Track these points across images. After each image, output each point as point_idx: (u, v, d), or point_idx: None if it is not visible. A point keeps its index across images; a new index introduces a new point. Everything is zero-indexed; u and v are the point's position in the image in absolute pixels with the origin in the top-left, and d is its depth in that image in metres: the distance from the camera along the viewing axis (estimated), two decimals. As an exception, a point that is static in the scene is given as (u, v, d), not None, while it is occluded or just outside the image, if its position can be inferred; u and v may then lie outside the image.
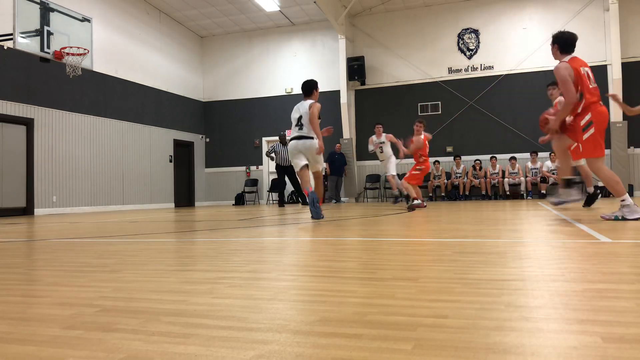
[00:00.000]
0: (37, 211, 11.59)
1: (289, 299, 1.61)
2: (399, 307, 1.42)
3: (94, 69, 11.69)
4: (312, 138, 6.01)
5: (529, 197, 13.58)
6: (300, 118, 6.09)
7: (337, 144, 15.42)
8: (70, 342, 1.16)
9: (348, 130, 15.67)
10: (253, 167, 17.38)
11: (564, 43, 4.88)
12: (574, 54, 4.86)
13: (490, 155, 14.40)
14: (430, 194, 14.79)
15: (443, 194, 14.53)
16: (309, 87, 6.27)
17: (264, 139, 17.33)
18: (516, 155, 14.28)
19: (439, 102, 15.31)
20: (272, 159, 12.95)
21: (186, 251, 3.14)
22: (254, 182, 17.25)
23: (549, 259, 2.31)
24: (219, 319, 1.35)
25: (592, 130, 4.61)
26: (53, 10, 10.45)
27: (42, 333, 1.25)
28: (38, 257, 3.11)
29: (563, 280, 1.79)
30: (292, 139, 6.16)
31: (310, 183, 6.02)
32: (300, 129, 6.06)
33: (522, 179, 13.80)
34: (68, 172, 12.53)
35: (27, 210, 11.41)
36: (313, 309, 1.45)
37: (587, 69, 4.77)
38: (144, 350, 1.09)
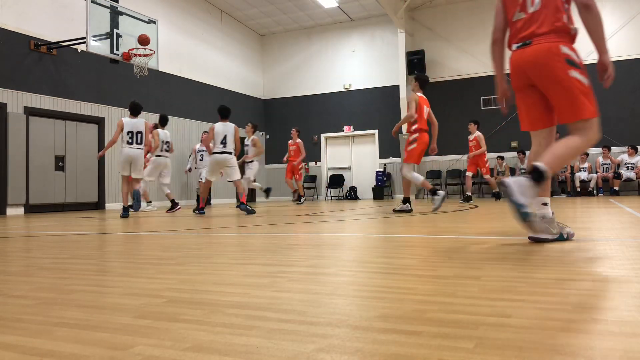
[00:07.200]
0: (108, 205, 12.19)
1: (348, 295, 1.62)
2: (460, 305, 1.39)
3: (159, 69, 12.19)
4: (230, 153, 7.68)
5: (600, 194, 12.92)
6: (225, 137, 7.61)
7: None
8: (140, 331, 1.22)
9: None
10: (312, 164, 17.50)
11: (422, 82, 6.88)
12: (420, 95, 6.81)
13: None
14: (495, 190, 14.38)
15: (507, 191, 14.04)
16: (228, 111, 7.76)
17: (322, 135, 17.42)
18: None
19: (503, 96, 14.80)
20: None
21: (248, 245, 3.21)
22: (312, 178, 17.38)
23: (621, 259, 2.20)
24: (279, 312, 1.38)
25: (414, 146, 6.75)
26: (122, 13, 10.95)
27: (114, 321, 1.32)
28: (109, 249, 3.28)
29: (637, 281, 1.69)
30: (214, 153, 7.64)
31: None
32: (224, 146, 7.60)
33: (593, 175, 13.13)
34: (136, 168, 13.06)
35: (98, 205, 12.02)
36: (372, 305, 1.45)
37: (428, 108, 6.82)
38: (208, 340, 1.13)
